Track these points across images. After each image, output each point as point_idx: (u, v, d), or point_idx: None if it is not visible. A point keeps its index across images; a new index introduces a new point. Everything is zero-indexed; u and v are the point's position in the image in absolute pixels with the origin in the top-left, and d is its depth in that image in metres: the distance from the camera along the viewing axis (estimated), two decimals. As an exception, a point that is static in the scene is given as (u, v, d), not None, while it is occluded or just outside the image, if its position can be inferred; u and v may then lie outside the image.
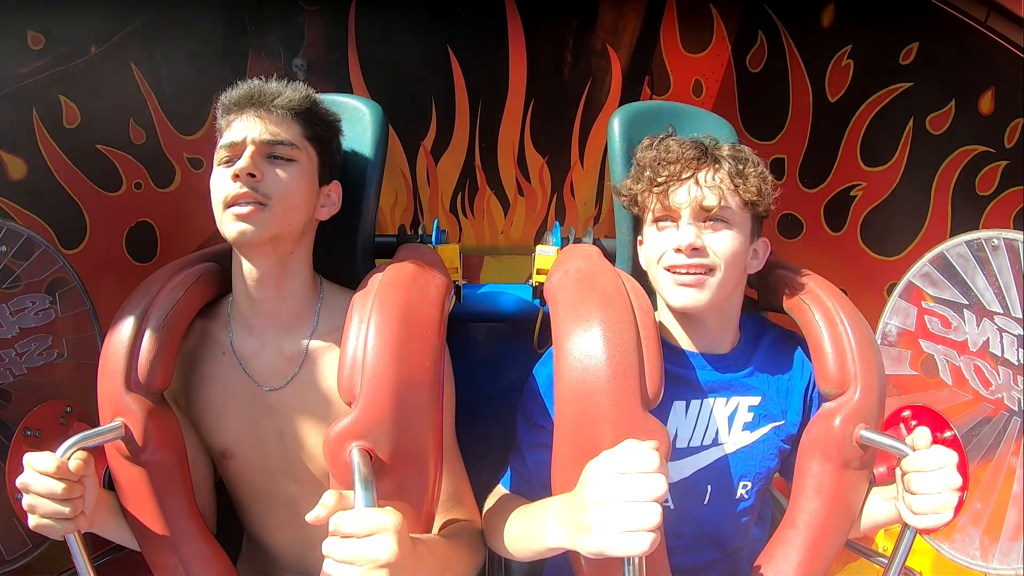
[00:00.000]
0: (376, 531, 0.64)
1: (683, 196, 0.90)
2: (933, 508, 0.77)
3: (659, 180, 0.91)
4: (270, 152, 0.86)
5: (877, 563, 0.98)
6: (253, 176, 0.83)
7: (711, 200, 0.88)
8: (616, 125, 1.10)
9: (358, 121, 1.06)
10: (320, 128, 0.93)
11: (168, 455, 0.87)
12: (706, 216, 0.89)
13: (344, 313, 0.83)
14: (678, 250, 0.88)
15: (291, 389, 0.94)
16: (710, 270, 0.88)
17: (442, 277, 0.93)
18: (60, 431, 1.11)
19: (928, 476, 0.78)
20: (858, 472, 0.87)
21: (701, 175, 0.90)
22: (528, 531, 0.82)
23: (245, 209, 0.83)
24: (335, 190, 0.97)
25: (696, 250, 0.88)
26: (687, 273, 0.88)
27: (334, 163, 0.97)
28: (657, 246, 0.92)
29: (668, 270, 0.90)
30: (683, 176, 0.90)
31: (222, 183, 0.85)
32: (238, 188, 0.83)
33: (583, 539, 0.67)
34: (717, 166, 0.90)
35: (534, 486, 0.94)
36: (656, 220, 0.94)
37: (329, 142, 0.95)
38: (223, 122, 0.89)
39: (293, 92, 0.90)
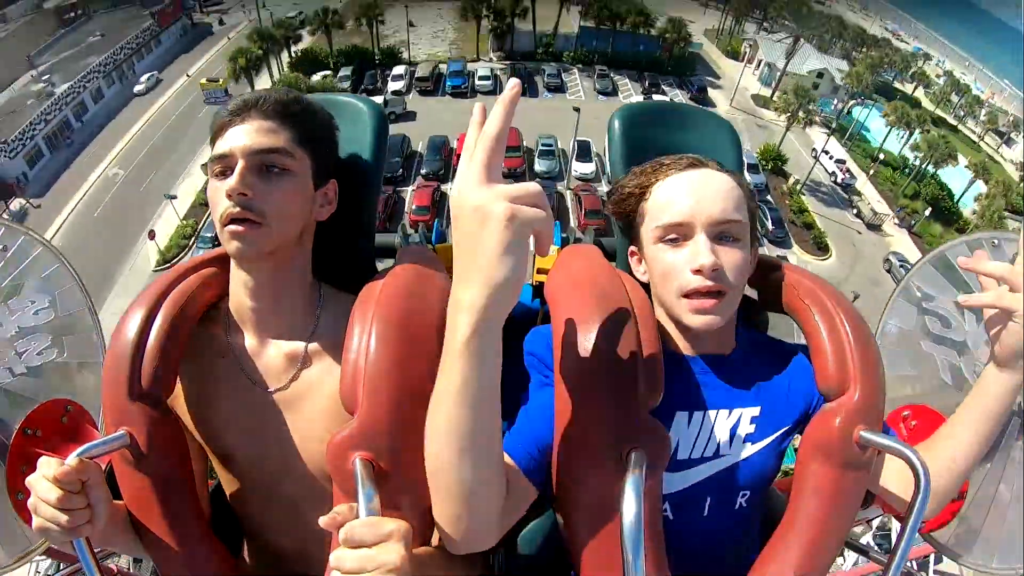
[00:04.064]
0: (385, 539, 0.65)
1: (682, 203, 0.84)
2: None
3: (656, 178, 0.88)
4: (264, 162, 0.85)
5: (877, 563, 0.98)
6: (245, 195, 0.83)
7: (724, 209, 0.83)
8: (616, 125, 1.10)
9: (358, 121, 1.06)
10: (313, 128, 0.91)
11: (173, 462, 0.88)
12: (721, 231, 0.84)
13: (344, 316, 0.84)
14: (697, 271, 0.82)
15: (291, 391, 0.94)
16: (721, 292, 0.84)
17: (442, 280, 0.93)
18: (60, 430, 1.11)
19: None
20: (857, 472, 0.87)
21: (699, 177, 0.87)
22: (441, 389, 0.67)
23: (240, 227, 0.83)
24: (332, 189, 0.96)
25: (716, 271, 0.82)
26: (706, 297, 0.83)
27: (330, 163, 0.96)
28: (666, 265, 0.86)
29: (685, 296, 0.85)
30: (684, 168, 0.87)
31: (218, 199, 0.85)
32: (232, 206, 0.83)
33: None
34: (716, 171, 0.89)
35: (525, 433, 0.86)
36: (662, 235, 0.87)
37: (323, 142, 0.94)
38: (218, 132, 0.88)
39: (282, 92, 0.89)
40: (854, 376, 0.85)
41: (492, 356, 0.65)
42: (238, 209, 0.83)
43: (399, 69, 30.74)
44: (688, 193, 0.86)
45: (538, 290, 1.19)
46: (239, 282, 0.92)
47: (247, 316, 0.94)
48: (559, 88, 29.48)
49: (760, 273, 1.01)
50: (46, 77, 29.36)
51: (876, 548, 1.38)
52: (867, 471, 0.88)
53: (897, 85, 38.53)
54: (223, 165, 0.86)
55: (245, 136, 0.85)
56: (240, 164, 0.84)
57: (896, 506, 0.94)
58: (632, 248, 0.98)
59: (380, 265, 1.12)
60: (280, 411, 0.94)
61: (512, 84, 0.63)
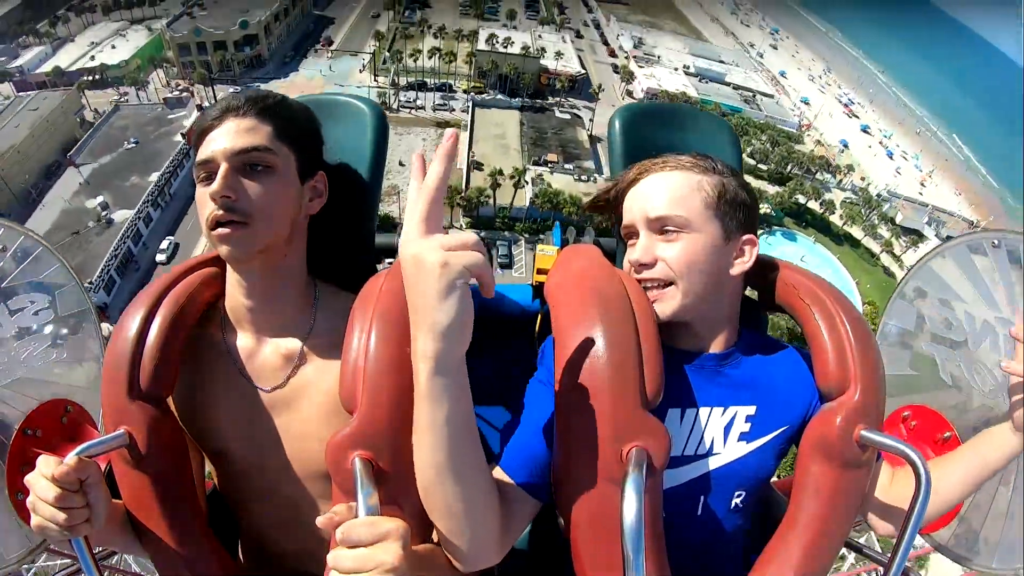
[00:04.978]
0: (382, 538, 0.66)
1: (632, 207, 0.93)
2: None
3: (616, 191, 0.96)
4: (245, 161, 0.85)
5: (877, 563, 0.98)
6: (228, 197, 0.83)
7: (655, 207, 0.90)
8: (616, 125, 1.10)
9: (358, 121, 1.06)
10: (293, 122, 0.91)
11: (172, 462, 0.88)
12: (660, 226, 0.90)
13: (342, 314, 0.84)
14: (632, 265, 0.91)
15: (288, 389, 0.94)
16: (667, 283, 0.89)
17: None
18: (60, 430, 1.11)
19: None
20: (858, 472, 0.87)
21: (647, 181, 0.93)
22: (418, 431, 0.71)
23: (226, 230, 0.84)
24: (320, 180, 0.96)
25: (644, 265, 0.89)
26: (649, 288, 0.90)
27: (314, 156, 0.96)
28: (626, 263, 0.95)
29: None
30: (629, 184, 0.94)
31: (204, 203, 0.85)
32: (216, 209, 0.84)
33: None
34: (668, 171, 0.92)
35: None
36: (624, 238, 0.97)
37: (305, 134, 0.94)
38: (199, 138, 0.89)
39: (255, 91, 0.90)
40: (854, 375, 0.85)
41: (455, 393, 0.68)
42: (222, 212, 0.84)
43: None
44: (635, 198, 0.94)
45: (538, 290, 1.19)
46: (234, 282, 0.92)
47: (243, 315, 0.94)
48: (508, 264, 33.39)
49: (760, 273, 1.01)
50: (100, 200, 32.05)
51: (876, 548, 1.38)
52: (868, 471, 0.88)
53: (811, 204, 40.78)
54: (207, 170, 0.86)
55: (225, 138, 0.85)
56: (223, 167, 0.84)
57: (888, 517, 0.94)
58: None
59: (380, 265, 1.12)
60: (277, 410, 0.94)
61: (449, 133, 0.68)
